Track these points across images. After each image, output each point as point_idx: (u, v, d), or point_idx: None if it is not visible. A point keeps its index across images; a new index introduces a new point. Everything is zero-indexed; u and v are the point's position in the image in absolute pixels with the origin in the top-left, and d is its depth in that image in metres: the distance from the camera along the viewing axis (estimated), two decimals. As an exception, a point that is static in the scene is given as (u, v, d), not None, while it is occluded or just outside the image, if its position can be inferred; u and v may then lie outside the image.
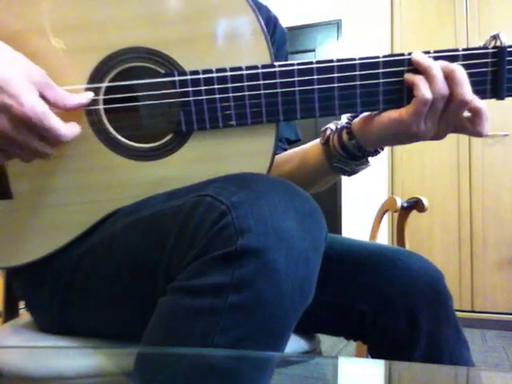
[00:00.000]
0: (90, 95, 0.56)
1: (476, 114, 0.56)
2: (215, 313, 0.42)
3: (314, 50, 3.37)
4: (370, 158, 0.66)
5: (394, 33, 2.99)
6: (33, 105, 0.47)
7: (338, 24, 3.28)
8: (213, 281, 0.43)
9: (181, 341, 0.44)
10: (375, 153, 0.65)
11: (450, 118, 0.57)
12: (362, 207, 2.97)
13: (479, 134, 0.57)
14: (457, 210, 2.81)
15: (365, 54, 0.58)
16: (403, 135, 0.59)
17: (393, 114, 0.58)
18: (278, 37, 0.83)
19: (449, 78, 0.55)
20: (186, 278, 0.45)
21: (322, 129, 0.67)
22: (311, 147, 0.70)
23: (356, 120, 0.63)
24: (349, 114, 0.64)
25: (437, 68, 0.55)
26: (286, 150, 0.82)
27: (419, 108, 0.56)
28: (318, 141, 0.68)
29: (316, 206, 0.49)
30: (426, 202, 1.23)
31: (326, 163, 0.66)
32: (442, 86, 0.55)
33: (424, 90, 0.55)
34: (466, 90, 0.55)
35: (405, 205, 1.29)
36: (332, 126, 0.66)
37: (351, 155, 0.64)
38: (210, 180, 0.52)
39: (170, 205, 0.52)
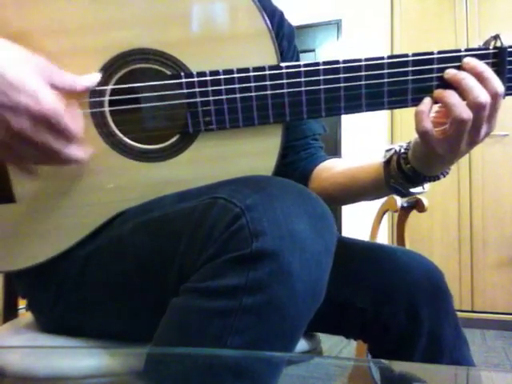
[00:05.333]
0: (98, 77, 0.56)
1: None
2: (229, 314, 0.43)
3: (313, 50, 3.37)
4: (427, 184, 0.66)
5: (393, 33, 2.99)
6: (50, 101, 0.47)
7: (337, 24, 3.29)
8: (227, 283, 0.43)
9: (194, 341, 0.44)
10: (435, 178, 0.64)
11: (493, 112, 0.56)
12: (362, 207, 2.97)
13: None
14: (457, 210, 2.81)
15: (367, 54, 0.58)
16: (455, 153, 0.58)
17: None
18: (287, 31, 0.83)
19: (480, 77, 0.55)
20: (199, 280, 0.45)
21: (387, 148, 0.67)
22: (369, 164, 0.70)
23: (411, 145, 0.63)
24: (407, 141, 0.65)
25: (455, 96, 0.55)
26: (322, 147, 0.84)
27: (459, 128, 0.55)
28: (375, 158, 0.69)
29: (327, 208, 0.50)
30: (425, 201, 1.23)
31: (383, 181, 0.67)
32: (462, 110, 0.54)
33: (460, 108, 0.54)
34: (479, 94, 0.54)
35: (405, 205, 1.29)
36: (396, 147, 0.66)
37: (408, 178, 0.64)
38: (221, 182, 0.52)
39: (182, 206, 0.52)
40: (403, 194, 0.67)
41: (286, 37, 0.81)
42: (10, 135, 0.47)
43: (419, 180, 0.63)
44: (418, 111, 0.57)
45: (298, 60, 0.85)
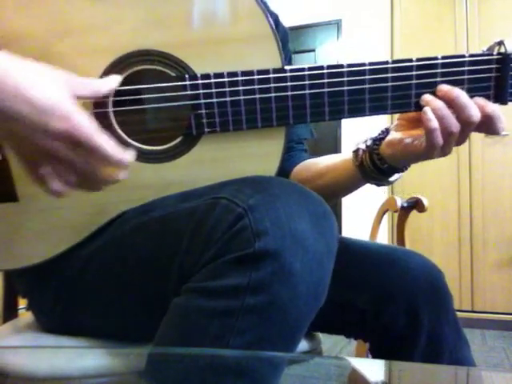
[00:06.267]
0: (118, 78, 0.54)
1: (488, 118, 0.57)
2: (231, 314, 0.43)
3: (313, 50, 3.37)
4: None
5: (393, 33, 2.99)
6: (83, 123, 0.45)
7: (337, 24, 3.28)
8: (229, 283, 0.43)
9: (196, 341, 0.44)
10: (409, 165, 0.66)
11: (465, 133, 0.58)
12: (362, 207, 2.97)
13: (495, 134, 0.58)
14: (457, 210, 2.81)
15: (367, 54, 0.58)
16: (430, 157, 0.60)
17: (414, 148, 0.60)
18: (281, 35, 0.83)
19: (452, 104, 0.56)
20: (201, 280, 0.45)
21: (353, 149, 0.68)
22: (343, 163, 0.71)
23: (383, 146, 0.64)
24: (373, 137, 0.66)
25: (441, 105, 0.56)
26: (306, 150, 0.84)
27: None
28: (349, 157, 0.69)
29: (328, 208, 0.50)
30: (425, 201, 1.24)
31: (362, 179, 0.68)
32: (452, 124, 0.56)
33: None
34: (472, 112, 0.56)
35: (405, 205, 1.29)
36: (362, 145, 0.67)
37: (386, 174, 0.66)
38: (223, 182, 0.52)
39: (183, 206, 0.52)
40: (384, 184, 0.69)
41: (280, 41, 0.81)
42: (44, 158, 0.46)
43: (397, 172, 0.66)
44: (433, 129, 0.56)
45: (290, 63, 0.86)
